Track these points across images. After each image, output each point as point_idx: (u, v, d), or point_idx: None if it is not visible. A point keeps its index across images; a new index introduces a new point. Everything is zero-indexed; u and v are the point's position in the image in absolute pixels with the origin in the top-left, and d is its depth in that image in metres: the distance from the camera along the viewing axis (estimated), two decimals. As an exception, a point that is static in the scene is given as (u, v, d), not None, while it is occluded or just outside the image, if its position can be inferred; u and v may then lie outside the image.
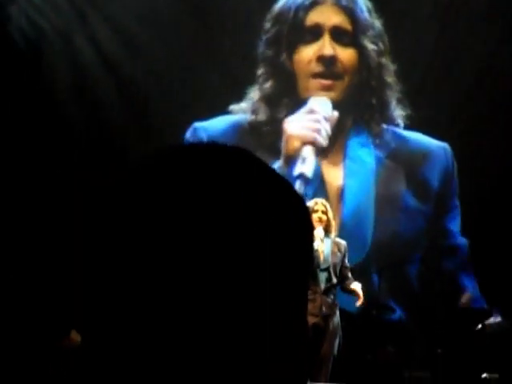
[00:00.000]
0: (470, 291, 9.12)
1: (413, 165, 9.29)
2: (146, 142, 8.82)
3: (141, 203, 0.74)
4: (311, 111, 9.06)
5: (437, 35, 9.36)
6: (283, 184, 0.79)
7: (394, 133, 9.34)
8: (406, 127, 9.32)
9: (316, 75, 9.20)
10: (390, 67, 9.30)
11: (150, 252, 0.72)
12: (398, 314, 9.05)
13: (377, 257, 9.06)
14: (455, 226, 9.26)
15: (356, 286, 6.78)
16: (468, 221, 9.19)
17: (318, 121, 9.03)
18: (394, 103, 9.31)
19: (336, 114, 9.11)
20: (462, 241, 9.23)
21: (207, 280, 0.72)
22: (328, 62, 9.16)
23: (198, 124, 9.24)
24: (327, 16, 9.25)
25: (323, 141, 9.03)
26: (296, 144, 9.00)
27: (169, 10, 9.27)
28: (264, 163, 0.79)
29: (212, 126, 9.25)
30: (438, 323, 8.74)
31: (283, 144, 9.07)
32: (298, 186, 8.81)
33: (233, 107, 9.29)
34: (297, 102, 9.19)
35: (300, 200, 0.80)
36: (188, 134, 9.22)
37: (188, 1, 9.40)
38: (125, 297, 0.73)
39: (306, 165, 8.91)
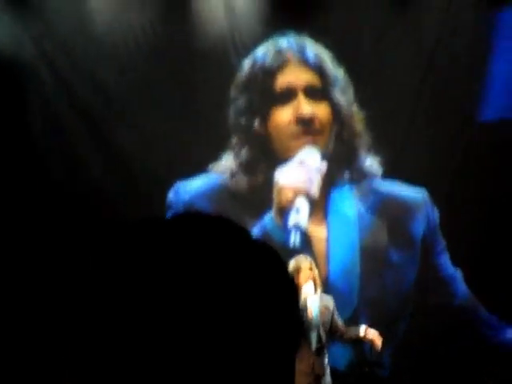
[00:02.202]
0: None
1: (394, 216, 9.31)
2: (132, 202, 8.86)
3: (122, 280, 0.74)
4: (302, 162, 9.08)
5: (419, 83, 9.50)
6: (268, 251, 0.80)
7: (372, 185, 9.37)
8: (383, 176, 9.35)
9: (296, 135, 9.22)
10: (358, 115, 9.37)
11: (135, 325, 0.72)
12: (389, 370, 8.97)
13: (364, 313, 9.00)
14: (447, 267, 9.28)
15: (364, 329, 6.75)
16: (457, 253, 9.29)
17: (309, 171, 9.06)
18: (366, 153, 9.33)
19: (325, 165, 9.12)
20: (457, 275, 9.28)
21: (195, 345, 0.71)
22: (307, 121, 9.19)
23: (179, 185, 9.23)
24: (297, 76, 9.28)
25: (316, 191, 9.04)
26: (289, 195, 8.99)
27: (149, 72, 9.30)
28: (246, 231, 0.81)
29: (193, 188, 9.25)
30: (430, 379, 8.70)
31: (275, 195, 9.07)
32: (294, 236, 8.82)
33: (212, 166, 9.27)
34: (276, 165, 9.20)
35: (284, 266, 0.81)
36: (171, 195, 9.20)
37: (168, 63, 9.40)
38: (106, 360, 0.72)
39: (300, 215, 8.91)
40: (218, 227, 0.79)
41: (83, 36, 9.21)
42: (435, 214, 9.33)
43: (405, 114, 9.51)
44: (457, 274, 9.29)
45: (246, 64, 9.29)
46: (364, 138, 9.36)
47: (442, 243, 9.31)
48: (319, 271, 7.34)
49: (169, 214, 8.68)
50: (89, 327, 0.74)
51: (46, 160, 9.23)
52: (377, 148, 9.35)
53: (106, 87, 9.32)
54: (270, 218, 9.06)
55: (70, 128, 9.29)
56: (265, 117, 9.26)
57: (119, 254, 0.76)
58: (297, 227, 8.89)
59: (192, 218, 0.80)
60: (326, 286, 8.09)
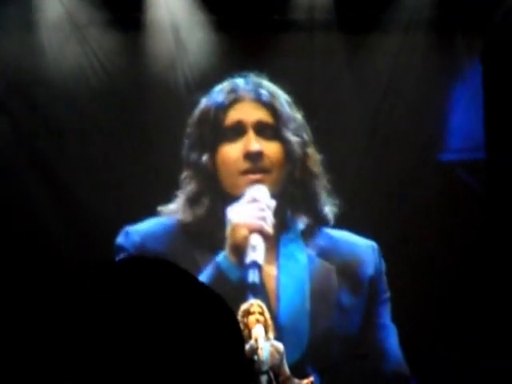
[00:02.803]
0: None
1: (343, 262, 9.32)
2: (79, 244, 8.77)
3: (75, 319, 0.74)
4: (254, 200, 9.07)
5: (369, 134, 9.60)
6: (212, 295, 0.81)
7: (323, 231, 9.37)
8: (335, 224, 9.37)
9: (245, 172, 9.21)
10: (315, 157, 9.37)
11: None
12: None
13: (313, 355, 8.99)
14: (386, 317, 9.28)
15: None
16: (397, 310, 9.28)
17: (262, 209, 9.07)
18: (322, 195, 9.36)
19: (274, 202, 9.12)
20: (392, 325, 9.24)
21: None
22: (255, 158, 9.19)
23: (130, 228, 9.13)
24: (248, 112, 9.30)
25: (269, 229, 9.04)
26: (243, 232, 8.98)
27: (101, 111, 9.25)
28: (191, 275, 0.81)
29: (144, 229, 9.16)
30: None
31: (229, 233, 9.03)
32: (252, 273, 8.80)
33: (161, 208, 9.20)
34: (223, 200, 9.17)
35: (229, 310, 0.82)
36: (120, 239, 9.09)
37: (119, 102, 9.36)
38: None
39: (257, 252, 8.91)
40: (164, 273, 0.79)
41: (35, 78, 9.15)
42: (382, 263, 9.36)
43: (355, 159, 9.56)
44: (392, 328, 9.31)
45: (203, 101, 9.30)
46: (322, 181, 9.39)
47: (386, 293, 9.33)
48: (270, 310, 7.32)
49: (119, 257, 8.61)
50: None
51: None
52: (333, 192, 9.39)
53: (58, 128, 9.24)
54: (223, 256, 9.03)
55: (18, 168, 9.18)
56: (214, 152, 9.24)
57: (67, 299, 0.76)
58: (254, 265, 8.87)
59: (140, 262, 0.80)
60: (277, 325, 8.09)
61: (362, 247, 9.37)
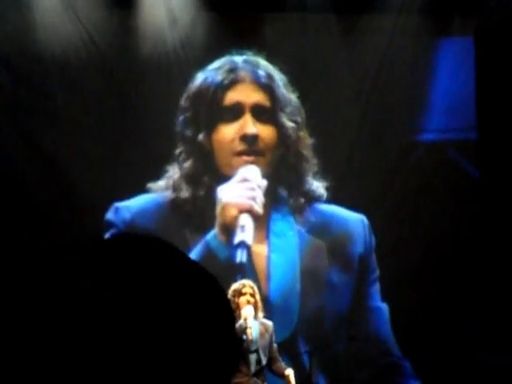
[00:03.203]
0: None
1: (334, 239, 9.37)
2: (68, 221, 8.75)
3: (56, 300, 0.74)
4: (244, 180, 9.08)
5: (361, 114, 9.62)
6: (202, 272, 0.81)
7: (313, 207, 9.40)
8: (325, 201, 9.39)
9: (239, 153, 9.22)
10: (307, 141, 9.37)
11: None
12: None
13: (304, 332, 9.03)
14: (377, 298, 9.32)
15: (290, 373, 6.72)
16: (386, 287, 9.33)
17: (252, 189, 9.09)
18: (311, 177, 9.37)
19: (265, 182, 9.14)
20: (383, 306, 9.29)
21: (120, 371, 0.71)
22: (250, 140, 9.20)
23: (119, 204, 9.12)
24: (247, 94, 9.30)
25: (259, 208, 9.06)
26: (233, 212, 9.00)
27: (92, 88, 9.21)
28: (181, 252, 0.82)
29: (134, 206, 9.15)
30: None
31: (219, 212, 9.05)
32: (240, 253, 8.83)
33: (151, 185, 9.20)
34: (217, 179, 9.17)
35: (219, 288, 0.82)
36: (110, 215, 9.08)
37: (109, 79, 9.33)
38: None
39: (245, 232, 8.93)
40: (155, 250, 0.78)
41: (27, 52, 9.10)
42: (372, 238, 9.41)
43: (348, 139, 9.60)
44: (383, 308, 9.36)
45: (199, 77, 9.27)
46: (311, 164, 9.41)
47: (375, 272, 9.38)
48: (260, 289, 7.32)
49: (108, 233, 8.60)
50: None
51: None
52: (322, 174, 9.40)
53: (49, 105, 9.20)
54: (213, 235, 9.04)
55: (8, 144, 9.14)
56: (210, 131, 9.24)
57: (55, 275, 0.76)
58: (243, 245, 8.90)
59: (131, 238, 0.80)
60: (267, 304, 8.11)
61: (352, 221, 9.41)
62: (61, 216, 8.98)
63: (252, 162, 9.19)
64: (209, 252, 8.97)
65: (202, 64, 9.31)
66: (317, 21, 9.52)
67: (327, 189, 9.36)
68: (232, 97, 9.26)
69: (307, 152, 9.39)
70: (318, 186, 9.36)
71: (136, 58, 9.31)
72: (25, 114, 9.19)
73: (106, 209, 9.08)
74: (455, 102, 9.71)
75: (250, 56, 9.36)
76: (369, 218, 9.41)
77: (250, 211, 9.02)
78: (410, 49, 9.63)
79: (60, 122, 9.23)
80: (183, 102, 9.25)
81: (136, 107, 9.31)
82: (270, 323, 6.87)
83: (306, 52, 9.55)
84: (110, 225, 8.98)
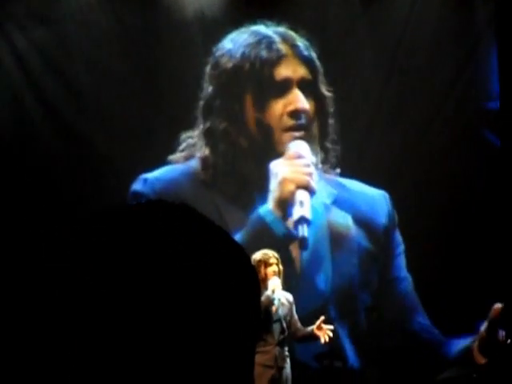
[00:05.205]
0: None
1: (358, 211, 9.37)
2: (95, 193, 8.81)
3: (86, 266, 0.73)
4: (299, 156, 9.10)
5: (383, 84, 9.58)
6: (230, 241, 0.80)
7: (336, 181, 9.43)
8: (347, 175, 9.44)
9: (288, 129, 9.23)
10: (332, 108, 9.42)
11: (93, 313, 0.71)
12: (352, 361, 9.05)
13: (336, 302, 9.10)
14: (402, 269, 9.36)
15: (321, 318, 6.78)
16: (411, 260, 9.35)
17: (308, 165, 9.12)
18: (336, 145, 9.37)
19: (314, 158, 9.17)
20: (408, 276, 9.34)
21: (149, 337, 0.71)
22: (299, 116, 9.22)
23: (148, 175, 9.12)
24: (293, 69, 9.31)
25: (315, 185, 9.07)
26: (291, 187, 9.02)
27: (120, 66, 9.25)
28: (211, 221, 0.80)
29: (164, 177, 9.16)
30: (392, 370, 8.79)
31: (276, 188, 9.06)
32: (301, 229, 8.87)
33: (172, 157, 9.21)
34: (265, 155, 9.19)
35: (247, 257, 0.81)
36: (138, 185, 9.07)
37: (136, 56, 9.35)
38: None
39: (304, 208, 8.94)
40: (183, 216, 0.78)
41: (53, 32, 9.16)
42: (394, 213, 9.43)
43: (367, 113, 9.58)
44: (409, 278, 9.38)
45: (232, 50, 9.23)
46: (334, 132, 9.44)
47: (400, 246, 9.41)
48: (292, 259, 7.32)
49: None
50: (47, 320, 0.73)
51: (13, 149, 9.14)
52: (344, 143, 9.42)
53: (74, 81, 9.25)
54: (267, 209, 9.06)
55: (34, 120, 9.20)
56: (260, 107, 9.24)
57: (82, 243, 0.75)
58: (303, 220, 8.93)
59: (161, 205, 0.79)
60: (301, 277, 8.12)
61: (375, 196, 9.43)
62: (86, 191, 9.00)
63: (300, 137, 9.21)
64: (264, 227, 8.99)
65: (223, 34, 9.29)
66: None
67: (348, 160, 9.36)
68: (280, 72, 9.25)
69: (331, 120, 9.43)
70: (339, 156, 9.37)
71: (158, 30, 9.32)
72: (48, 90, 9.24)
73: (131, 181, 9.09)
74: (478, 73, 9.67)
75: (281, 28, 9.32)
76: (389, 190, 9.42)
77: (307, 187, 9.04)
78: (432, 17, 9.54)
79: (84, 97, 9.28)
80: (216, 76, 9.23)
81: (159, 79, 9.32)
82: (289, 295, 6.94)
83: (327, 21, 9.51)
84: (139, 196, 8.90)
